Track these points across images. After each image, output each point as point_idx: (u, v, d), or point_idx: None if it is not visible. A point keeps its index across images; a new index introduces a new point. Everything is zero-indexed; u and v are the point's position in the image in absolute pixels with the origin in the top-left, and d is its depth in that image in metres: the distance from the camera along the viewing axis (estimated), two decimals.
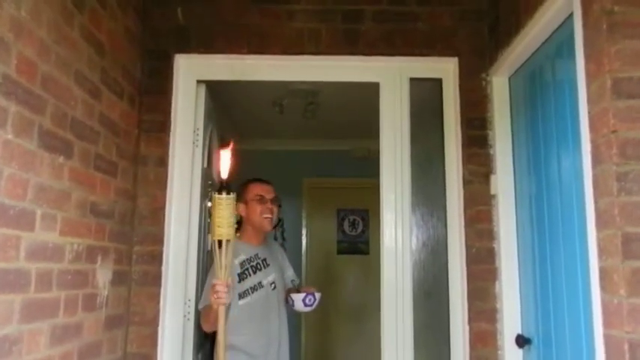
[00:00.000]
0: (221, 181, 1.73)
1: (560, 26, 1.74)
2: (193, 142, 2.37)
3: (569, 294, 1.69)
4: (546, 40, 1.87)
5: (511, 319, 2.10)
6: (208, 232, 2.38)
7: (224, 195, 1.71)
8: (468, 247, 2.23)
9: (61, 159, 1.64)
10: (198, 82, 2.41)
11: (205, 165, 2.49)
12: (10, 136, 1.37)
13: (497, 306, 2.17)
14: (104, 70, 1.93)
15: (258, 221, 2.27)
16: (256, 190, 2.30)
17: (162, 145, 2.29)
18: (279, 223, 5.35)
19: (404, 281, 2.29)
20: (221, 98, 3.64)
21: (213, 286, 1.79)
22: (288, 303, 2.32)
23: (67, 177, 1.68)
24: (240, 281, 2.19)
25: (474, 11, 2.36)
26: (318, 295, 2.26)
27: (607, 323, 1.34)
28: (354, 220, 5.40)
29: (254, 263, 2.25)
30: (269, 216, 2.28)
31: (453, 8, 2.36)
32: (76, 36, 1.72)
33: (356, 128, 4.25)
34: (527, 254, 2.06)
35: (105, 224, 1.96)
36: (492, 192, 2.23)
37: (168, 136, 2.30)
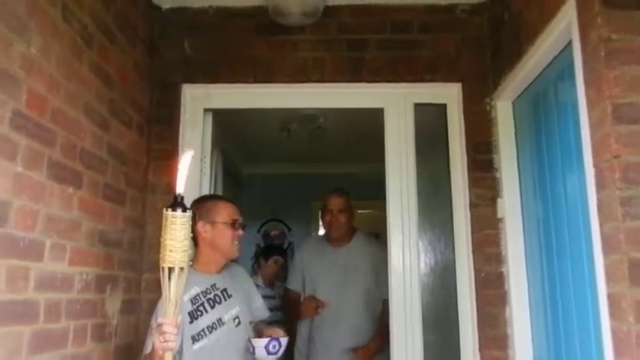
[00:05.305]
0: (176, 196, 1.43)
1: (561, 52, 1.76)
2: (201, 170, 2.40)
3: (579, 321, 1.67)
4: (548, 65, 1.88)
5: (523, 346, 2.07)
6: None
7: (179, 212, 1.41)
8: (477, 272, 2.21)
9: (70, 189, 1.67)
10: (205, 110, 2.46)
11: (212, 192, 2.51)
12: (20, 169, 1.41)
13: (509, 332, 2.13)
14: (113, 102, 1.97)
15: (227, 248, 1.93)
16: (229, 211, 1.95)
17: (170, 173, 2.31)
18: (289, 247, 5.33)
19: (412, 305, 2.27)
20: (229, 124, 3.69)
21: (160, 326, 1.45)
22: (249, 350, 1.91)
23: (77, 207, 1.71)
24: (192, 321, 1.80)
25: (476, 38, 2.38)
26: (284, 341, 1.88)
27: (617, 352, 1.32)
28: None
29: (211, 295, 1.86)
30: (239, 245, 1.97)
31: (456, 35, 2.39)
32: (85, 71, 1.77)
33: (365, 151, 4.27)
34: (537, 279, 2.03)
35: (114, 253, 1.98)
36: (499, 215, 2.22)
37: (176, 164, 2.33)
